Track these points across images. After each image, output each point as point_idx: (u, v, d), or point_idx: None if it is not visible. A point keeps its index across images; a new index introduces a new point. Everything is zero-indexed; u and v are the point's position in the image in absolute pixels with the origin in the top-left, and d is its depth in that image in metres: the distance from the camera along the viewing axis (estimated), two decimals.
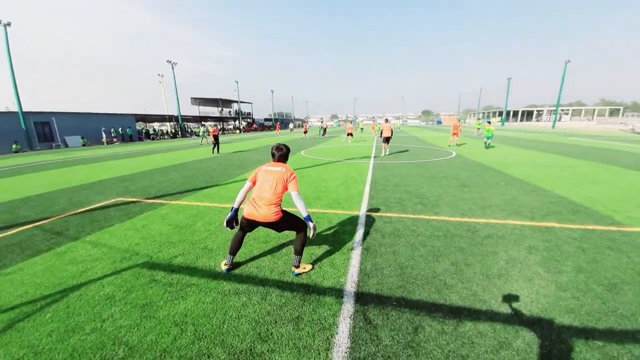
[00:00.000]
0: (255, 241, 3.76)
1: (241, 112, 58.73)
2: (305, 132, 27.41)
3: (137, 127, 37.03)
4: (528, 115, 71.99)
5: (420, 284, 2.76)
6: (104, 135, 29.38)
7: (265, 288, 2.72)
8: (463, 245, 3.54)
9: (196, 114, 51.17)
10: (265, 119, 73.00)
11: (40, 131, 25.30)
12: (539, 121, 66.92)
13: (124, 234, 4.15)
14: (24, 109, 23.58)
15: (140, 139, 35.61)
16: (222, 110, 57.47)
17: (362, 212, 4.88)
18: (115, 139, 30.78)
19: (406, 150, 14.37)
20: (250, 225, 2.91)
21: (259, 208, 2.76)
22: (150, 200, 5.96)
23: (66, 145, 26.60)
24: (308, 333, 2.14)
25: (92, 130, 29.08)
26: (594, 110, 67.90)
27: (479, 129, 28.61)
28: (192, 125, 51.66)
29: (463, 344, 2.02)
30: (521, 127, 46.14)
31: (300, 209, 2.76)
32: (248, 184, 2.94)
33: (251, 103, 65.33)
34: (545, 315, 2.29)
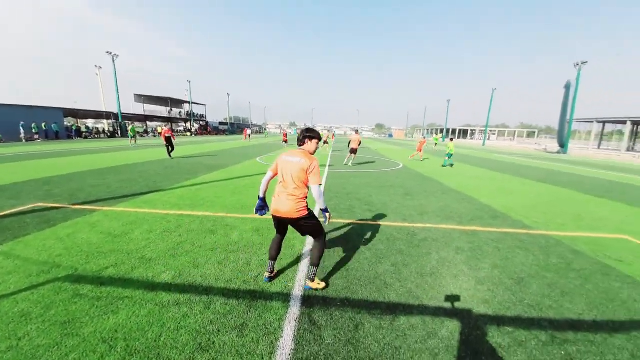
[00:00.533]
0: (202, 249, 3.60)
1: (193, 113, 55.45)
2: (285, 140, 25.22)
3: (65, 123, 32.40)
4: (464, 133, 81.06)
5: (363, 284, 2.94)
6: (22, 130, 25.11)
7: (210, 297, 2.62)
8: (402, 248, 3.86)
9: (140, 112, 46.85)
10: (221, 123, 69.94)
11: None
12: (472, 139, 75.83)
13: (42, 244, 3.62)
14: None
15: (70, 137, 31.18)
16: (172, 110, 53.57)
17: None
18: (36, 136, 26.48)
19: (363, 163, 15.06)
20: (278, 223, 2.79)
21: (282, 203, 2.62)
22: (78, 206, 5.29)
23: None
24: (252, 339, 2.13)
25: (7, 124, 24.60)
26: (515, 132, 79.61)
27: (436, 144, 30.57)
28: (137, 124, 47.10)
29: (397, 336, 2.22)
30: (458, 143, 51.98)
31: (319, 204, 2.64)
32: (269, 173, 2.80)
33: (205, 105, 62.05)
34: (465, 307, 2.62)
